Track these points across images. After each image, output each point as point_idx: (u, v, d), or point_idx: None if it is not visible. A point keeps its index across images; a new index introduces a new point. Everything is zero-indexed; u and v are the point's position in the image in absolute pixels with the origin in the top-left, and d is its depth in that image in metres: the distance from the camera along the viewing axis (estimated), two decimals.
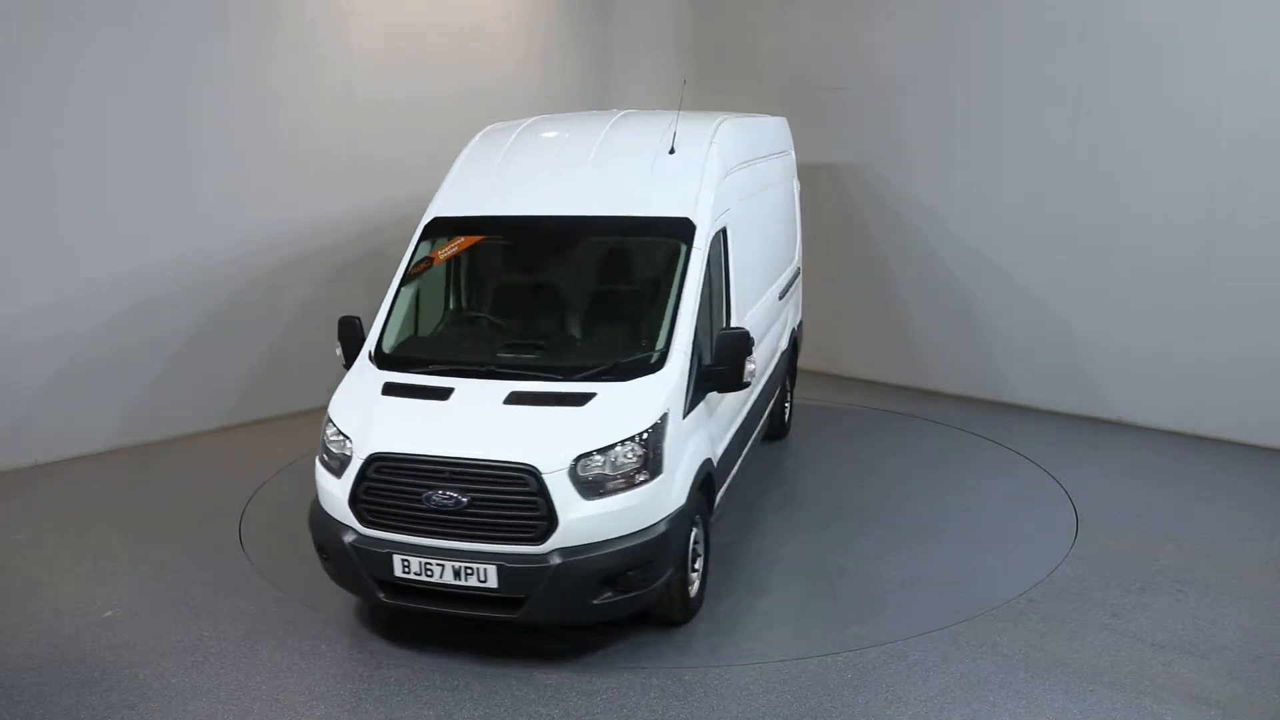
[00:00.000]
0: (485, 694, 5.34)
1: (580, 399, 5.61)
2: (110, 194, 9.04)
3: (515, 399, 5.67)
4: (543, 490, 5.28)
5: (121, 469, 8.89)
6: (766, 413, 8.38)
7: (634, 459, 5.40)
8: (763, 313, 7.78)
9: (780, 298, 8.59)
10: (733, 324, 6.70)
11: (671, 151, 6.67)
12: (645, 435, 5.44)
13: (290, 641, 5.92)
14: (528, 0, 11.90)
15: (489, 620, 5.57)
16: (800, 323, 9.95)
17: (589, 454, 5.34)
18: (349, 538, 5.61)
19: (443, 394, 5.81)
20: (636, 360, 5.86)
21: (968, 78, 10.26)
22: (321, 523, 5.81)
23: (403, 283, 6.70)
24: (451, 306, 6.95)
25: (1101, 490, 8.01)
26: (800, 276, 9.88)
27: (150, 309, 9.40)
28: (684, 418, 5.74)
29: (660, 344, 5.90)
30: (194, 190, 9.52)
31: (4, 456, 8.77)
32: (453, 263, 6.92)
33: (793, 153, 9.73)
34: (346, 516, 5.64)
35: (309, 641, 5.91)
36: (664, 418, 5.55)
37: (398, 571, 5.49)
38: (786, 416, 9.44)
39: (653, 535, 5.42)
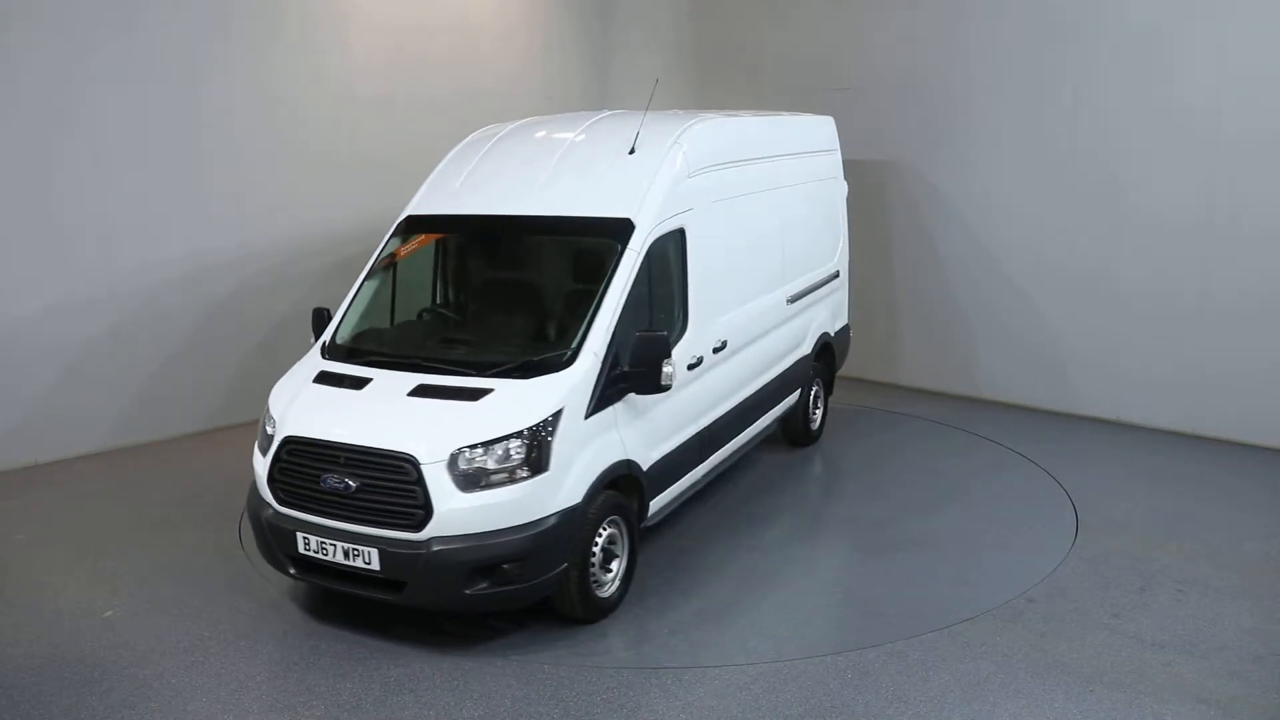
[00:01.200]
0: (485, 694, 5.34)
1: (477, 394, 5.77)
2: (110, 194, 9.04)
3: (419, 392, 5.86)
4: (420, 480, 5.46)
5: (121, 469, 8.89)
6: (769, 418, 8.26)
7: (516, 454, 5.51)
8: (756, 317, 7.69)
9: (793, 300, 8.35)
10: (692, 326, 6.72)
11: (631, 152, 6.75)
12: (528, 432, 5.54)
13: (290, 641, 5.92)
14: (528, 0, 11.90)
15: (379, 601, 5.79)
16: (845, 327, 9.73)
17: (469, 447, 5.47)
18: (267, 514, 5.98)
19: (359, 384, 6.10)
20: (548, 358, 5.95)
21: (968, 79, 10.26)
22: (251, 499, 6.19)
23: (367, 277, 7.04)
24: (406, 300, 7.15)
25: (1101, 490, 8.02)
26: (841, 279, 9.56)
27: (150, 309, 9.40)
28: (586, 418, 5.79)
29: (574, 343, 5.97)
30: (194, 190, 9.53)
31: (4, 456, 8.77)
32: (411, 259, 7.15)
33: (836, 153, 9.47)
34: (267, 494, 5.99)
35: (309, 641, 5.91)
36: (555, 416, 5.63)
37: (300, 548, 5.81)
38: (816, 423, 9.26)
39: (533, 531, 5.52)
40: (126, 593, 6.56)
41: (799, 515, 7.70)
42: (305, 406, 6.05)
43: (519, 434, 5.53)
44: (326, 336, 6.74)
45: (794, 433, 9.01)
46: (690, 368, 6.70)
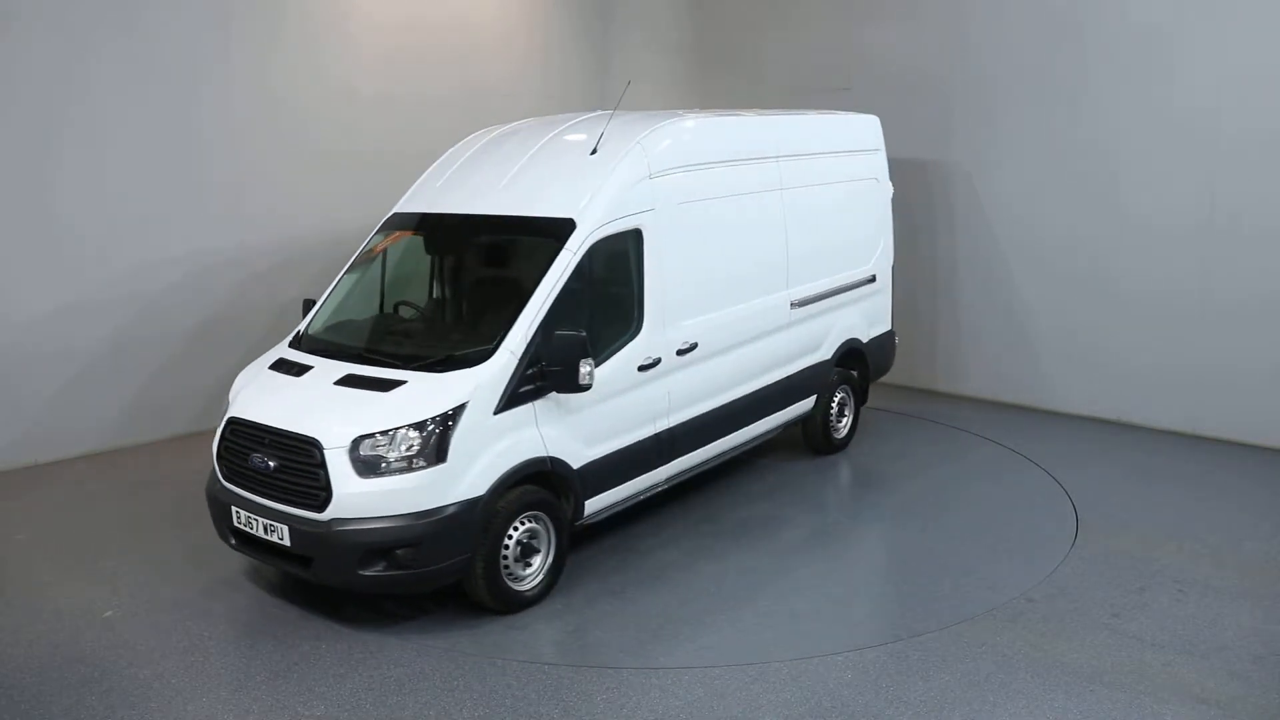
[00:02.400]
0: (485, 694, 5.34)
1: (391, 385, 6.02)
2: (110, 194, 9.04)
3: (344, 381, 6.18)
4: (323, 463, 5.74)
5: (121, 469, 8.88)
6: (767, 424, 8.08)
7: (413, 444, 5.70)
8: (744, 319, 7.59)
9: (801, 304, 8.14)
10: (648, 327, 6.73)
11: (593, 152, 6.83)
12: (427, 423, 5.72)
13: (290, 641, 5.92)
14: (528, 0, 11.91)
15: (300, 578, 6.17)
16: (886, 334, 9.39)
17: (369, 435, 5.71)
18: (215, 488, 6.44)
19: (300, 371, 6.46)
20: (468, 354, 6.11)
21: (967, 78, 10.26)
22: (211, 473, 6.57)
23: (348, 270, 7.38)
24: (371, 295, 7.38)
25: (1101, 490, 8.02)
26: (881, 284, 9.21)
27: (150, 309, 9.40)
28: (495, 414, 5.93)
29: (495, 340, 6.11)
30: (195, 190, 9.52)
31: (4, 456, 8.77)
32: (385, 254, 7.40)
33: (878, 153, 9.15)
34: (216, 469, 6.45)
35: (309, 641, 5.91)
36: (458, 409, 5.80)
37: (235, 521, 6.22)
38: (842, 432, 9.01)
39: (428, 519, 5.71)
40: (126, 593, 6.56)
41: (800, 516, 7.69)
42: (251, 390, 6.48)
43: (417, 425, 5.73)
44: (302, 326, 7.11)
45: (814, 440, 8.82)
46: (643, 369, 6.72)
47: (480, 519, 5.88)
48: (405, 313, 7.25)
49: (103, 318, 9.15)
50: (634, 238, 6.72)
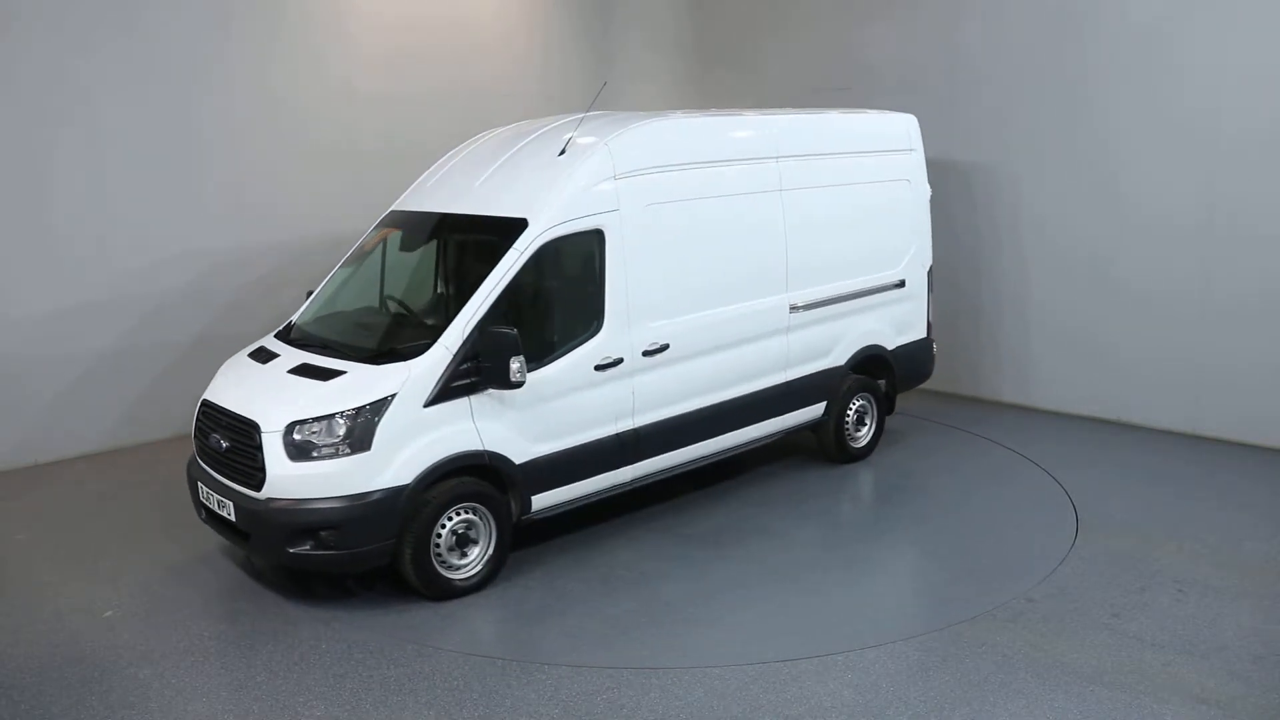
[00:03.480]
0: (485, 694, 5.34)
1: (331, 375, 6.31)
2: (110, 194, 9.05)
3: (297, 370, 6.49)
4: (260, 446, 6.08)
5: (122, 469, 8.89)
6: (760, 429, 7.92)
7: (339, 432, 5.99)
8: (729, 322, 7.48)
9: (803, 309, 7.94)
10: (608, 327, 6.77)
11: (561, 153, 6.92)
12: (352, 412, 6.00)
13: (290, 641, 5.92)
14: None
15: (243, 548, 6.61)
16: (919, 342, 9.04)
17: (303, 421, 6.02)
18: (190, 464, 6.88)
19: (268, 359, 6.80)
20: (407, 347, 6.33)
21: (968, 79, 10.26)
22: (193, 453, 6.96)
23: (342, 265, 7.64)
24: (351, 288, 7.59)
25: (1101, 490, 8.01)
26: (912, 289, 8.86)
27: (150, 309, 9.41)
28: (425, 406, 6.11)
29: (436, 336, 6.30)
30: (194, 190, 9.53)
31: (4, 456, 8.77)
32: (373, 250, 7.60)
33: (912, 153, 8.87)
34: (195, 447, 6.85)
35: (309, 641, 5.91)
36: (384, 401, 6.02)
37: (200, 496, 6.68)
38: (861, 441, 8.72)
39: (351, 504, 5.97)
40: (126, 593, 6.57)
41: (801, 517, 7.69)
42: (224, 375, 6.92)
43: (343, 413, 6.01)
44: (295, 316, 7.39)
45: (828, 449, 8.60)
46: (601, 368, 6.76)
47: (405, 507, 6.07)
48: (373, 306, 7.39)
49: (102, 318, 9.15)
50: (595, 238, 6.78)
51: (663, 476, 7.48)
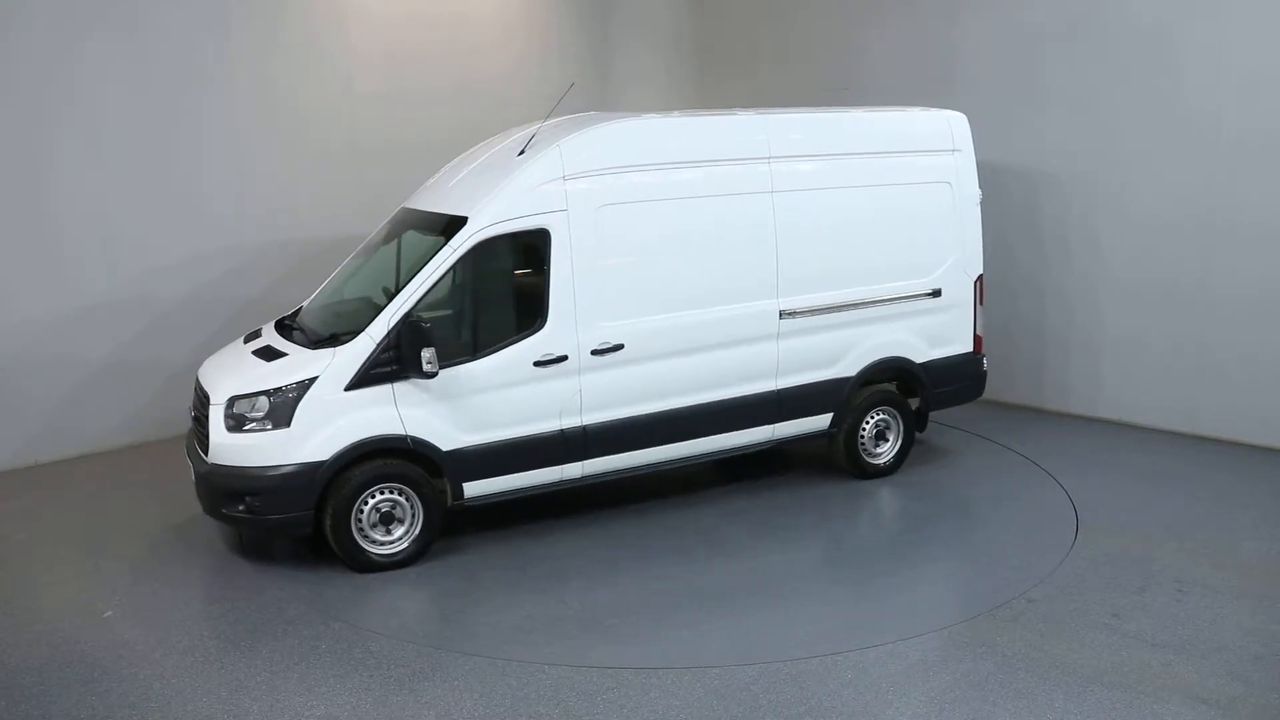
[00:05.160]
0: (485, 694, 5.34)
1: (276, 356, 6.88)
2: (110, 194, 9.04)
3: (258, 351, 7.08)
4: (209, 417, 6.70)
5: (122, 469, 8.89)
6: (745, 437, 7.70)
7: (263, 408, 6.55)
8: (703, 326, 7.36)
9: (796, 315, 7.69)
10: (551, 324, 6.90)
11: (521, 153, 7.12)
12: (275, 391, 6.56)
13: (290, 641, 5.92)
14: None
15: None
16: (960, 357, 8.49)
17: (239, 396, 6.64)
18: (188, 434, 7.44)
19: (250, 340, 7.40)
20: (345, 336, 6.74)
21: (968, 78, 10.26)
22: None
23: (353, 257, 7.94)
24: (343, 279, 7.85)
25: (1101, 490, 8.01)
26: (951, 299, 8.34)
27: (150, 308, 9.40)
28: (346, 390, 6.55)
29: (365, 325, 6.70)
30: (194, 189, 9.53)
31: (4, 456, 8.77)
32: (374, 243, 7.87)
33: (952, 154, 8.32)
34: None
35: (309, 641, 5.91)
36: (306, 382, 6.54)
37: (189, 459, 7.14)
38: (881, 459, 8.30)
39: (270, 475, 6.51)
40: (126, 593, 6.57)
41: (801, 516, 7.69)
42: (219, 352, 7.53)
43: (266, 392, 6.56)
44: (305, 303, 7.77)
45: (839, 463, 8.23)
46: (541, 364, 6.89)
47: (322, 482, 6.52)
48: (359, 296, 7.55)
49: (102, 318, 9.15)
50: (541, 237, 6.91)
51: (624, 476, 7.46)
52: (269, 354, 6.93)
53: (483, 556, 7.01)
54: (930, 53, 10.49)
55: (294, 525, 6.65)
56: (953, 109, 8.52)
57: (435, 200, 7.49)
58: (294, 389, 6.54)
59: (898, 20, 10.69)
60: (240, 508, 6.60)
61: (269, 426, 6.52)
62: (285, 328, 7.39)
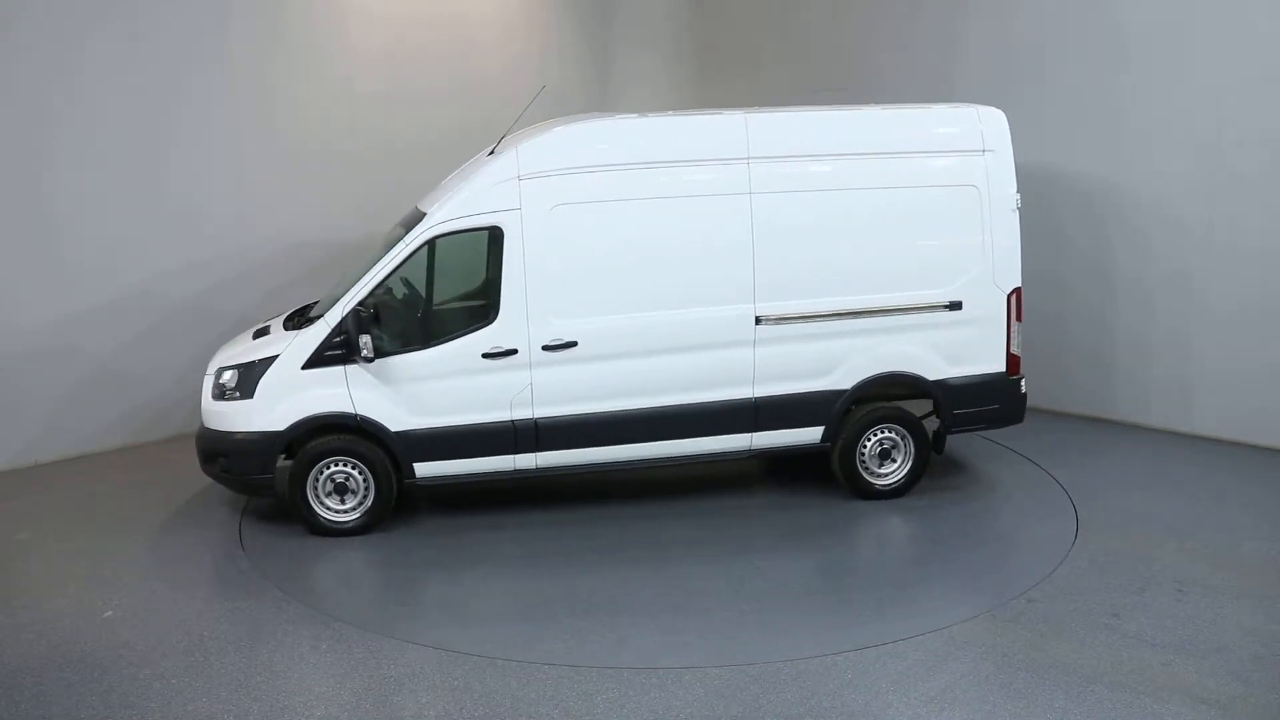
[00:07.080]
0: (485, 694, 5.34)
1: (261, 335, 7.68)
2: (110, 194, 9.04)
3: (258, 331, 7.86)
4: (202, 386, 7.56)
5: (122, 469, 8.89)
6: (717, 443, 7.53)
7: (236, 380, 7.29)
8: (658, 329, 7.26)
9: (774, 322, 7.38)
10: (502, 319, 7.15)
11: (491, 153, 7.49)
12: (243, 366, 7.31)
13: (290, 641, 5.92)
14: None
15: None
16: (989, 377, 7.77)
17: (224, 368, 7.41)
18: None
19: (257, 332, 7.97)
20: (313, 320, 7.35)
21: (968, 78, 10.26)
22: None
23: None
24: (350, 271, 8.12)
25: (1101, 490, 8.01)
26: (975, 313, 7.66)
27: (150, 308, 9.41)
28: (302, 369, 7.16)
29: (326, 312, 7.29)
30: (194, 189, 9.53)
31: (4, 456, 8.77)
32: (386, 239, 7.98)
33: (982, 155, 7.63)
34: None
35: (309, 641, 5.92)
36: (267, 360, 7.23)
37: None
38: (888, 479, 7.84)
39: (235, 439, 7.27)
40: (126, 593, 6.57)
41: (802, 516, 7.69)
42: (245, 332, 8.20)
43: (236, 366, 7.34)
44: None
45: (838, 480, 7.86)
46: (490, 356, 7.16)
47: (280, 449, 7.22)
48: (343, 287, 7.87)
49: (103, 318, 9.15)
50: (493, 234, 7.21)
51: (584, 471, 7.54)
52: (262, 334, 7.72)
53: (483, 556, 7.02)
54: (931, 52, 10.47)
55: (259, 486, 7.40)
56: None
57: (428, 198, 7.74)
58: (260, 364, 7.24)
59: (898, 20, 10.68)
60: (217, 467, 7.41)
61: (237, 396, 7.26)
62: (295, 315, 7.86)
